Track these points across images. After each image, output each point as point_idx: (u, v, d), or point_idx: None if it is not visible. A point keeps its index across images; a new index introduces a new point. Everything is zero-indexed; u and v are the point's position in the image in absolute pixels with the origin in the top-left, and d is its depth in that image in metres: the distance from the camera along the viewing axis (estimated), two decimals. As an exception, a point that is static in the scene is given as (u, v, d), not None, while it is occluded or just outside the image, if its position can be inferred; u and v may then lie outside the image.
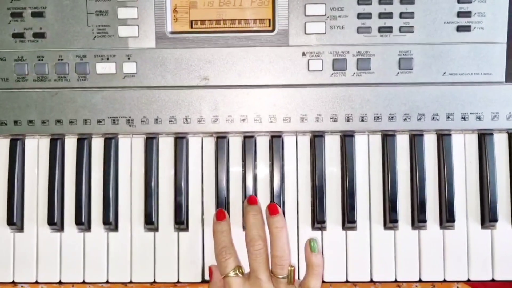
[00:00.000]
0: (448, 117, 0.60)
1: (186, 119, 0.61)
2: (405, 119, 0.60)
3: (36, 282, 0.62)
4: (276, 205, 0.59)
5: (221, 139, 0.61)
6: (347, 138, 0.61)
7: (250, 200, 0.60)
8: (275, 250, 0.56)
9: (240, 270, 0.56)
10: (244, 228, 0.61)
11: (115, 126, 0.61)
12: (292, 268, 0.56)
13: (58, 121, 0.61)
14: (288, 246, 0.57)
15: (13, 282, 0.62)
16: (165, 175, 0.62)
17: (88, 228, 0.62)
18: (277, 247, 0.56)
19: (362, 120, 0.60)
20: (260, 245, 0.56)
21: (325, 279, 0.60)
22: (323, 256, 0.59)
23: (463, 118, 0.60)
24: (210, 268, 0.59)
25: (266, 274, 0.56)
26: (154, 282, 0.61)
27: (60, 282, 0.62)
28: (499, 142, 0.61)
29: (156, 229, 0.61)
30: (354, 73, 0.60)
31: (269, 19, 0.60)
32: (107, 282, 0.61)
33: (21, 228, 0.62)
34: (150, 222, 0.61)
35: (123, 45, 0.60)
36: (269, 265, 0.57)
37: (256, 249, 0.56)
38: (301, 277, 0.59)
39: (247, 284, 0.56)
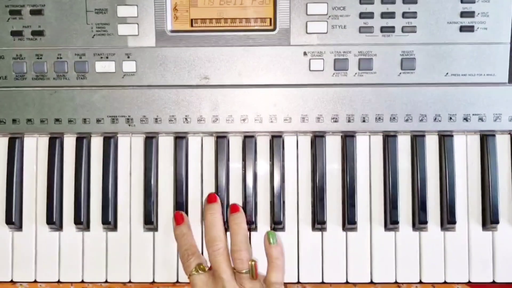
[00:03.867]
0: (450, 118, 0.60)
1: (186, 119, 0.60)
2: (406, 120, 0.60)
3: (35, 282, 0.61)
4: (237, 205, 0.60)
5: (221, 139, 0.61)
6: (348, 139, 0.61)
7: (209, 198, 0.60)
8: (233, 245, 0.57)
9: (202, 267, 0.57)
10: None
11: (114, 125, 0.61)
12: (253, 263, 0.56)
13: (57, 119, 0.61)
14: (246, 241, 0.58)
15: (11, 282, 0.62)
16: (164, 175, 0.61)
17: (87, 228, 0.61)
18: (235, 242, 0.57)
19: (364, 121, 0.60)
20: (218, 245, 0.56)
21: (325, 280, 0.60)
22: (283, 248, 0.59)
23: (465, 119, 0.60)
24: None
25: (228, 272, 0.56)
26: (153, 282, 0.61)
27: (59, 282, 0.61)
28: (501, 143, 0.61)
29: (155, 229, 0.61)
30: (355, 73, 0.60)
31: (270, 18, 0.60)
32: (106, 281, 0.61)
33: (19, 227, 0.62)
34: (150, 222, 0.60)
35: (122, 44, 0.60)
36: (231, 263, 0.57)
37: (215, 249, 0.56)
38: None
39: (210, 281, 0.56)
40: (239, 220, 0.58)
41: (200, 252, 0.60)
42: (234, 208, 0.59)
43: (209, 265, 0.58)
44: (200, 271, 0.56)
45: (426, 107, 0.60)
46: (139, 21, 0.59)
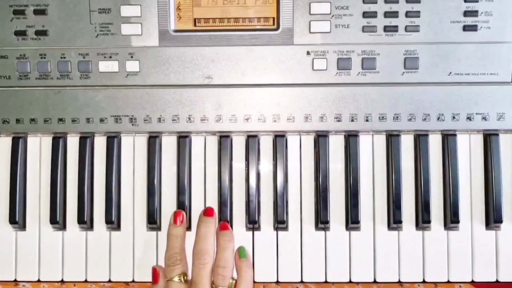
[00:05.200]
0: (454, 117, 0.60)
1: (189, 118, 0.60)
2: (410, 119, 0.60)
3: (38, 281, 0.62)
4: (227, 223, 0.60)
5: (224, 139, 0.61)
6: (351, 138, 0.61)
7: (206, 212, 0.59)
8: (219, 260, 0.57)
9: (185, 278, 0.57)
10: (246, 228, 0.61)
11: (117, 124, 0.61)
12: (234, 281, 0.57)
13: (61, 119, 0.61)
14: (232, 259, 0.58)
15: (15, 281, 0.62)
16: (168, 174, 0.61)
17: (91, 227, 0.62)
18: (222, 258, 0.57)
19: (367, 120, 0.60)
20: (205, 259, 0.56)
21: (328, 279, 0.60)
22: (251, 262, 0.60)
23: (469, 118, 0.60)
24: (155, 270, 0.59)
25: (208, 282, 0.56)
26: (157, 281, 0.61)
27: (62, 281, 0.62)
28: (505, 142, 0.61)
29: (158, 228, 0.61)
30: (359, 73, 0.60)
31: (274, 18, 0.60)
32: (109, 281, 0.61)
33: (23, 227, 0.62)
34: (153, 221, 0.60)
35: (126, 43, 0.60)
36: (211, 278, 0.57)
37: (202, 262, 0.56)
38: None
39: None
40: (229, 237, 0.59)
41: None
42: (224, 226, 0.59)
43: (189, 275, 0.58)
44: (181, 281, 0.56)
45: (429, 106, 0.59)
46: (143, 20, 0.59)
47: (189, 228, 0.61)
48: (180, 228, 0.59)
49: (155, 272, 0.58)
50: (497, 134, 0.60)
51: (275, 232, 0.61)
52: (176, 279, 0.56)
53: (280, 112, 0.60)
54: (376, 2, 0.58)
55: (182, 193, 0.61)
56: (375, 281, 0.60)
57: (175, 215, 0.59)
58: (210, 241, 0.58)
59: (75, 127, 0.61)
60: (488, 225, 0.60)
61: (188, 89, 0.60)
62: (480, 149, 0.61)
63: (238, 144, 0.62)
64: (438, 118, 0.60)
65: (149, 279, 0.60)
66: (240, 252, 0.59)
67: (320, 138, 0.61)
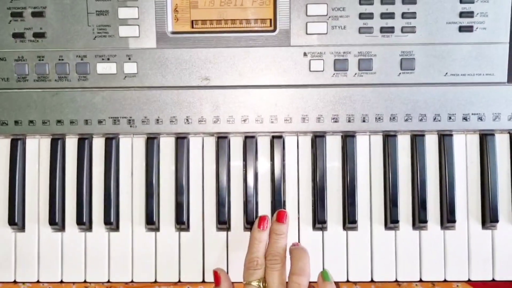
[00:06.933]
0: (450, 117, 0.60)
1: (187, 119, 0.61)
2: (406, 120, 0.60)
3: (38, 282, 0.62)
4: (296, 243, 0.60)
5: (222, 139, 0.61)
6: (348, 139, 0.61)
7: (278, 217, 0.58)
8: (296, 268, 0.55)
9: (264, 284, 0.55)
10: (244, 228, 0.61)
11: (116, 126, 0.61)
12: None
13: (59, 121, 0.61)
14: (308, 269, 0.56)
15: (14, 282, 0.62)
16: (166, 175, 0.62)
17: (89, 228, 0.62)
18: (299, 266, 0.55)
19: (364, 121, 0.60)
20: (277, 260, 0.56)
21: (325, 279, 0.61)
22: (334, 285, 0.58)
23: (465, 118, 0.60)
24: (216, 273, 0.58)
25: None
26: (155, 281, 0.61)
27: (61, 282, 0.62)
28: (501, 142, 0.61)
29: (157, 229, 0.62)
30: (355, 74, 0.60)
31: (270, 19, 0.60)
32: (109, 281, 0.61)
33: (22, 228, 0.62)
34: (151, 222, 0.61)
35: (123, 45, 0.60)
36: (285, 282, 0.56)
37: (274, 263, 0.55)
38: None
39: None
40: (302, 250, 0.57)
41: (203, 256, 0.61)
42: (294, 245, 0.59)
43: None
44: (261, 286, 0.55)
45: (425, 106, 0.60)
46: (140, 22, 0.60)
47: (187, 228, 0.61)
48: (264, 233, 0.58)
49: (216, 275, 0.58)
50: (493, 134, 0.61)
51: (273, 232, 0.61)
52: (255, 283, 0.55)
53: (277, 113, 0.61)
54: (372, 4, 0.58)
55: (181, 194, 0.61)
56: (372, 281, 0.61)
57: (260, 220, 0.58)
58: (283, 248, 0.57)
59: (73, 128, 0.61)
60: (484, 224, 0.61)
61: (185, 90, 0.61)
62: (476, 149, 0.61)
63: (236, 145, 0.62)
64: (435, 119, 0.60)
65: (147, 279, 0.61)
66: (324, 275, 0.56)
67: (317, 139, 0.61)
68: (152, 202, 0.61)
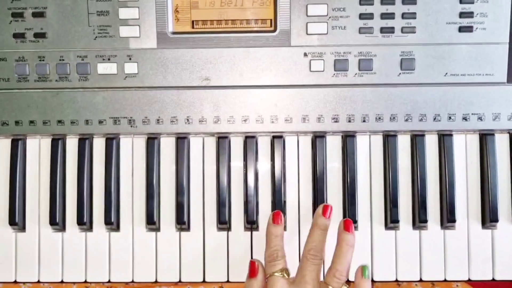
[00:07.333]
0: (450, 117, 0.60)
1: (188, 120, 0.61)
2: (406, 120, 0.60)
3: (38, 282, 0.62)
4: (351, 223, 0.58)
5: (222, 139, 0.62)
6: (348, 139, 0.61)
7: (324, 211, 0.58)
8: (338, 264, 0.56)
9: (287, 273, 0.56)
10: (245, 228, 0.61)
11: (116, 126, 0.61)
12: (347, 287, 0.56)
13: (59, 121, 0.61)
14: (349, 265, 0.57)
15: (15, 282, 0.62)
16: (166, 176, 0.62)
17: (90, 228, 0.62)
18: (342, 262, 0.56)
19: (364, 121, 0.60)
20: (318, 256, 0.56)
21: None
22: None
23: (465, 118, 0.60)
24: (253, 263, 0.58)
25: (313, 283, 0.55)
26: (156, 281, 0.61)
27: (62, 282, 0.62)
28: (501, 142, 0.61)
29: (157, 229, 0.62)
30: (355, 74, 0.60)
31: (271, 20, 0.60)
32: (109, 281, 0.61)
33: (23, 228, 0.62)
34: (152, 222, 0.61)
35: (124, 46, 0.60)
36: (319, 276, 0.56)
37: (312, 257, 0.56)
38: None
39: (291, 287, 0.56)
40: (351, 242, 0.57)
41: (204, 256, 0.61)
42: (348, 226, 0.57)
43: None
44: (284, 276, 0.56)
45: (425, 106, 0.60)
46: (141, 23, 0.60)
47: (187, 228, 0.61)
48: (279, 227, 0.58)
49: (253, 265, 0.58)
50: (493, 134, 0.61)
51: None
52: (278, 274, 0.56)
53: (277, 113, 0.61)
54: (372, 4, 0.58)
55: (181, 194, 0.61)
56: (372, 280, 0.61)
57: (274, 215, 0.59)
58: (322, 243, 0.57)
59: (74, 128, 0.61)
60: (484, 224, 0.61)
61: (186, 90, 0.61)
62: (476, 149, 0.62)
63: (236, 145, 0.62)
64: (434, 119, 0.60)
65: (148, 279, 0.61)
66: (364, 271, 0.58)
67: (318, 139, 0.61)
68: (153, 202, 0.61)
